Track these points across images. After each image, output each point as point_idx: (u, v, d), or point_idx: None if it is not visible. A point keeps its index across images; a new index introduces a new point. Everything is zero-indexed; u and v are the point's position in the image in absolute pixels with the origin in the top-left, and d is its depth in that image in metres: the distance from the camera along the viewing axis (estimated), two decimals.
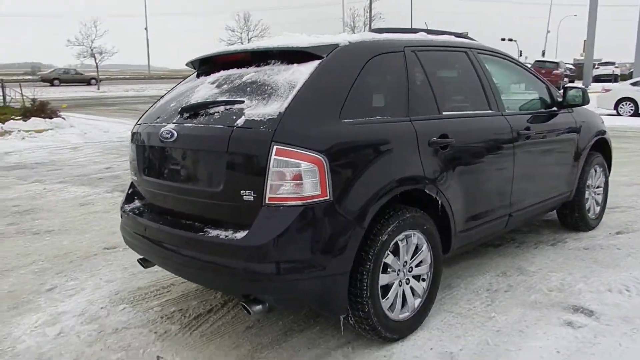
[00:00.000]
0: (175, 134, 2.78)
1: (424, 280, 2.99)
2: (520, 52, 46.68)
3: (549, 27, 52.11)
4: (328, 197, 2.46)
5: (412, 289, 2.92)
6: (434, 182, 2.94)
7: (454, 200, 3.08)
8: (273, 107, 2.53)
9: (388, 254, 2.72)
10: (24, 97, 16.03)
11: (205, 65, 3.34)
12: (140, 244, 3.06)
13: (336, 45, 2.80)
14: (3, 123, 12.82)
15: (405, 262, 2.85)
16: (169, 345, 2.93)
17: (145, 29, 48.07)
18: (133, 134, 3.25)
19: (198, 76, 3.30)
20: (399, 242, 2.78)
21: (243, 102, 2.66)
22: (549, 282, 3.52)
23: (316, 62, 2.70)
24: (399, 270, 2.82)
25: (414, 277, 2.93)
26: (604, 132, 4.72)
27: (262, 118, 2.50)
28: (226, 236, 2.53)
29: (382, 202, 2.64)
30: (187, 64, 3.51)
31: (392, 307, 2.81)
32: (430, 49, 3.30)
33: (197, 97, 2.97)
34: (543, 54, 48.03)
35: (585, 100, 4.15)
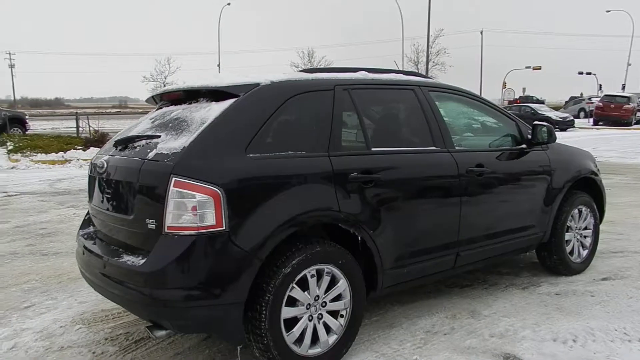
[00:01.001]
0: (106, 165, 3.00)
1: (342, 316, 2.97)
2: (600, 85, 44.64)
3: (630, 60, 49.45)
4: (223, 228, 2.55)
5: (325, 324, 2.90)
6: (352, 217, 2.94)
7: (379, 236, 3.05)
8: (180, 142, 2.68)
9: (293, 287, 2.74)
10: (91, 129, 17.29)
11: (160, 102, 3.56)
12: (81, 268, 3.26)
13: (257, 85, 2.93)
14: (65, 152, 13.87)
15: (317, 296, 2.86)
16: None
17: (218, 65, 50.48)
18: (90, 164, 3.51)
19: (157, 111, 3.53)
20: (308, 276, 2.80)
21: (159, 137, 2.84)
22: (495, 328, 3.36)
23: (231, 101, 2.84)
24: (308, 304, 2.82)
25: (329, 312, 2.92)
26: (592, 172, 4.46)
27: (169, 152, 2.66)
28: (132, 262, 2.67)
29: (284, 235, 2.69)
30: (147, 100, 3.76)
31: (299, 341, 2.81)
32: (367, 87, 3.34)
33: (134, 131, 3.18)
34: (623, 88, 45.74)
35: (551, 138, 3.99)
